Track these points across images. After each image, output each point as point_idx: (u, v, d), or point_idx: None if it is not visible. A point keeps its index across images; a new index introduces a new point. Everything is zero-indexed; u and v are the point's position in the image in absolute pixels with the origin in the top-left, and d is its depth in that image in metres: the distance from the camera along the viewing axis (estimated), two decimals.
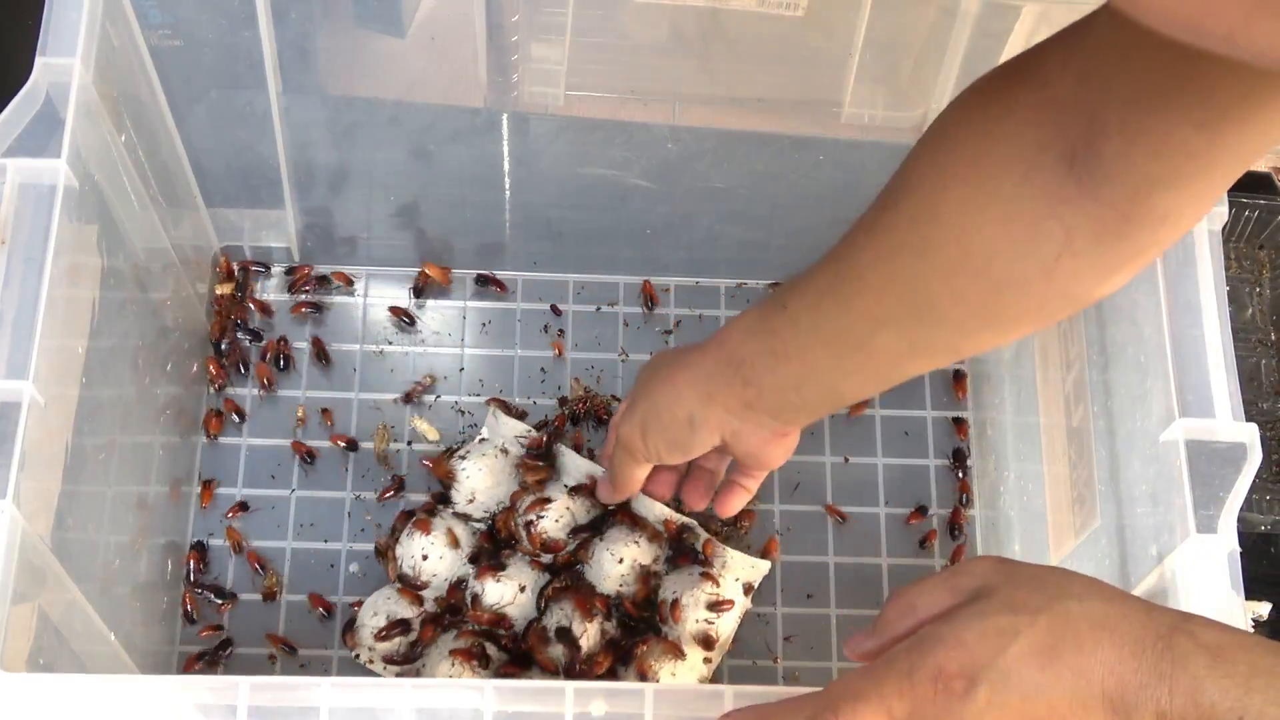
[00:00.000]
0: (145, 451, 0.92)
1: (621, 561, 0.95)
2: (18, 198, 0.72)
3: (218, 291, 1.07)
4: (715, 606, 0.95)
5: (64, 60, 0.75)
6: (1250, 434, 0.71)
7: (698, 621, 0.95)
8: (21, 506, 0.67)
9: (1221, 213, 0.76)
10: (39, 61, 0.75)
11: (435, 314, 1.09)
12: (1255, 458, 0.71)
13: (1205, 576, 0.69)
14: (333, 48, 0.95)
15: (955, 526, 1.04)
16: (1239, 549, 0.70)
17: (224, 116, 0.96)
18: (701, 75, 0.98)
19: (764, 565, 1.00)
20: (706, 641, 0.95)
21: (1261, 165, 1.17)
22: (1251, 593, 0.70)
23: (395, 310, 1.08)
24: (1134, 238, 0.60)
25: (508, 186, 1.04)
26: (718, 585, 0.96)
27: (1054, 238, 0.61)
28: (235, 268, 1.08)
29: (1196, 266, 0.75)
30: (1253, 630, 0.69)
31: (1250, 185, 1.11)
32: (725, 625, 0.96)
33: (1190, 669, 0.54)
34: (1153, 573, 0.73)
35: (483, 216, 1.06)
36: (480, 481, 0.99)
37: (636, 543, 0.96)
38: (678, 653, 0.93)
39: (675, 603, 0.94)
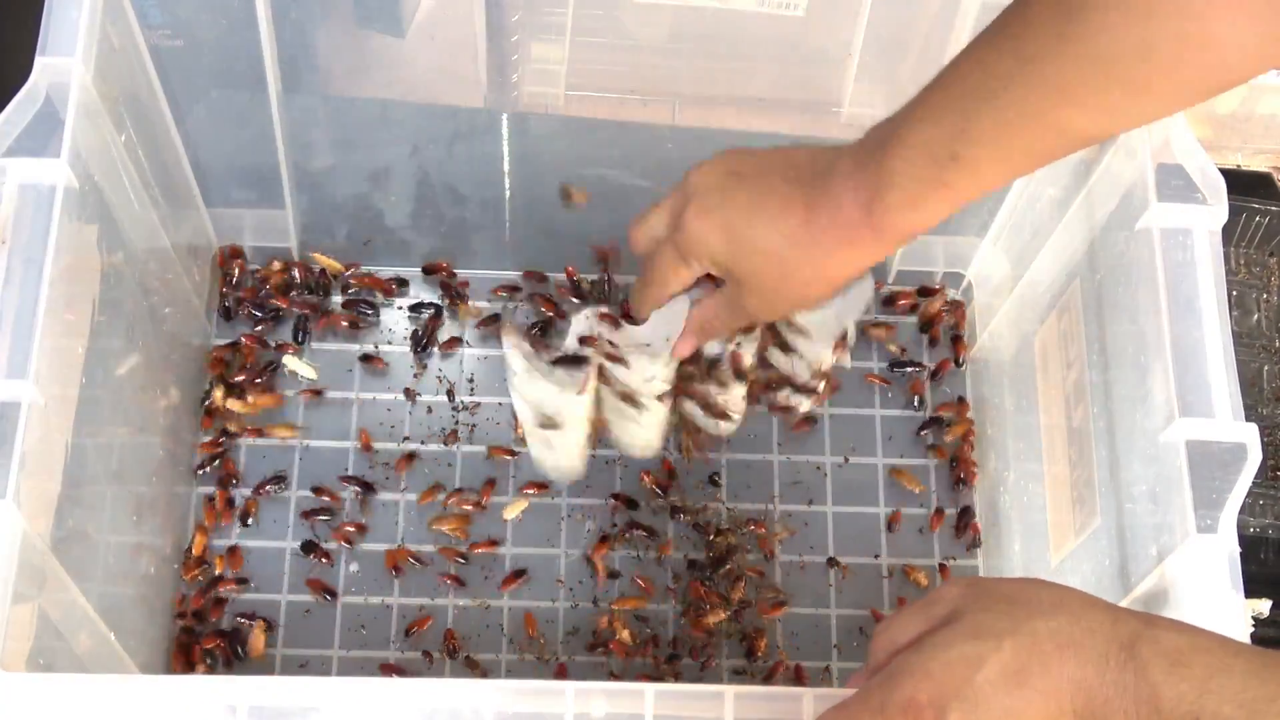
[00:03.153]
0: (145, 451, 0.92)
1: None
2: (18, 198, 0.72)
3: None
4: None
5: (64, 60, 0.75)
6: (1250, 434, 0.71)
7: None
8: (21, 506, 0.66)
9: (1222, 213, 0.76)
10: (39, 61, 0.75)
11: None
12: (1255, 458, 0.71)
13: (1205, 577, 0.69)
14: (333, 48, 0.95)
15: (961, 480, 1.05)
16: (1239, 549, 0.70)
17: (224, 116, 0.96)
18: (701, 75, 0.98)
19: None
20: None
21: (1261, 165, 1.17)
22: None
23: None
24: None
25: (508, 186, 1.04)
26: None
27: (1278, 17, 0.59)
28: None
29: (1197, 267, 0.75)
30: (1252, 628, 0.69)
31: (1251, 186, 1.12)
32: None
33: (1150, 676, 0.55)
34: (1153, 573, 0.72)
35: (483, 216, 1.06)
36: (550, 399, 0.87)
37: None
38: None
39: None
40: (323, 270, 1.08)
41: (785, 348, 0.86)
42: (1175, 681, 0.54)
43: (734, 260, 0.75)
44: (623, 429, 0.89)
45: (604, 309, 0.86)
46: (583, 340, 0.85)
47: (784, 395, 0.88)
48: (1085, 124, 0.65)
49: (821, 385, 0.87)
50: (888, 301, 1.11)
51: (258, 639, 0.97)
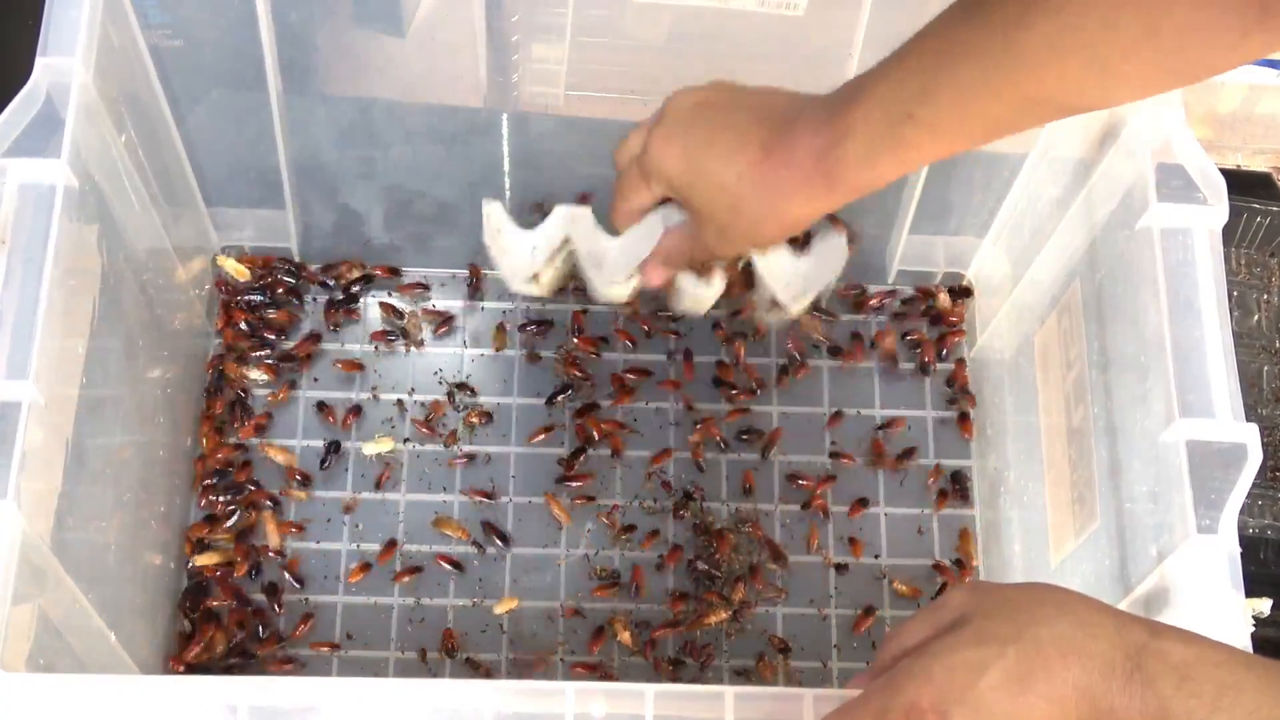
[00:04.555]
0: (145, 451, 0.92)
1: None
2: (18, 198, 0.72)
3: (221, 263, 1.06)
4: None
5: (64, 60, 0.75)
6: (1250, 434, 0.71)
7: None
8: (21, 506, 0.67)
9: (1223, 213, 0.76)
10: (39, 61, 0.75)
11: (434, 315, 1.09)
12: (1255, 458, 0.71)
13: (1205, 577, 0.69)
14: (333, 48, 0.95)
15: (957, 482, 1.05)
16: (1239, 549, 0.70)
17: (224, 116, 0.96)
18: (701, 75, 0.98)
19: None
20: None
21: (1261, 165, 1.17)
22: None
23: (386, 307, 1.08)
24: None
25: (508, 186, 1.04)
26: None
27: (1247, 12, 0.59)
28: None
29: (1197, 267, 0.75)
30: (1253, 627, 0.69)
31: (1252, 186, 1.12)
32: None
33: (1158, 689, 0.55)
34: (1153, 573, 0.72)
35: (483, 216, 1.06)
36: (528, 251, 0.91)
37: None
38: None
39: None
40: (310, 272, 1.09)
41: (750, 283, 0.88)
42: (1185, 697, 0.54)
43: (689, 188, 0.77)
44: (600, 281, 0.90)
45: (584, 208, 0.89)
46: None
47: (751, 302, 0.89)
48: (1044, 96, 0.66)
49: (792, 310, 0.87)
50: (888, 302, 1.11)
51: (271, 528, 1.00)
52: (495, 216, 0.89)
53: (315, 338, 1.07)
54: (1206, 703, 0.54)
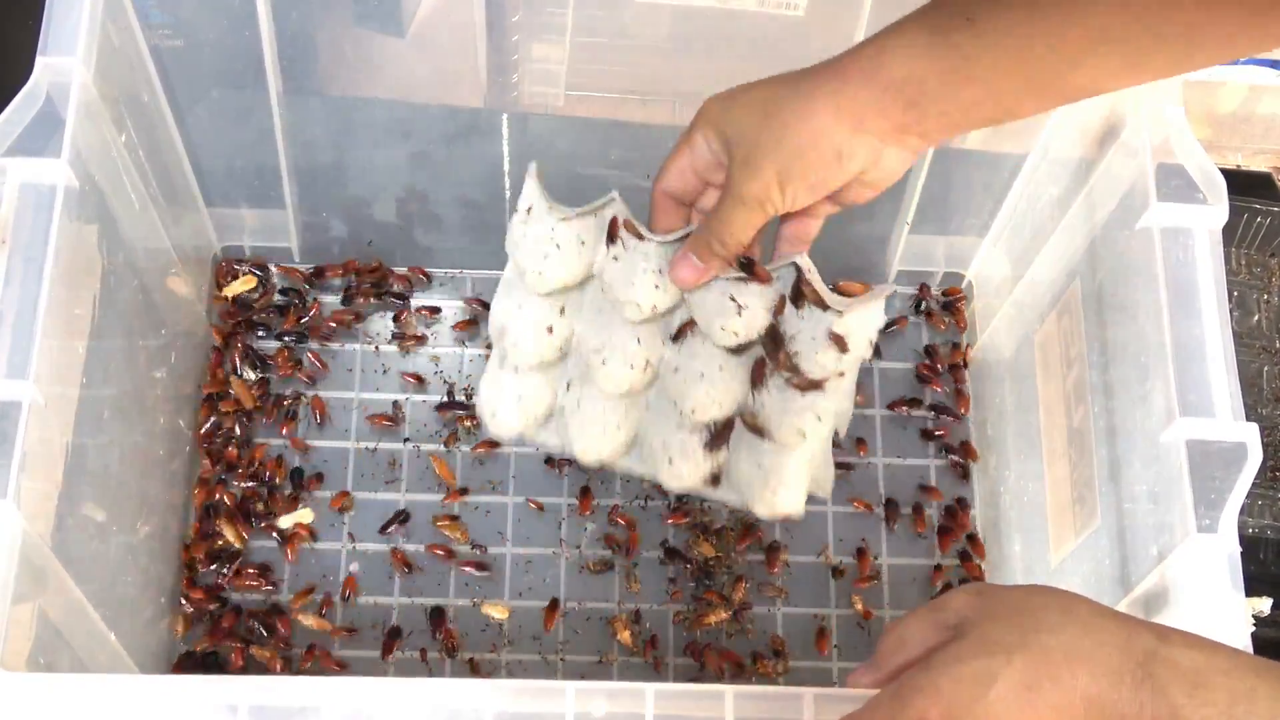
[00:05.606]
0: (145, 451, 0.92)
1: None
2: (18, 198, 0.72)
3: (227, 293, 1.06)
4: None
5: (64, 60, 0.75)
6: (1251, 434, 0.71)
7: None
8: (21, 506, 0.67)
9: (1223, 213, 0.76)
10: (39, 61, 0.75)
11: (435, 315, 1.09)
12: (1256, 457, 0.71)
13: (1205, 577, 0.69)
14: (333, 48, 0.95)
15: (955, 516, 1.05)
16: (1239, 549, 0.70)
17: (224, 116, 0.96)
18: (701, 75, 0.98)
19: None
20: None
21: (1261, 165, 1.17)
22: None
23: (386, 306, 1.08)
24: None
25: (508, 186, 1.04)
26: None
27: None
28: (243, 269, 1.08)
29: (1197, 266, 0.75)
30: (1253, 627, 0.69)
31: (1252, 186, 1.12)
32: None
33: (1170, 698, 0.54)
34: (1153, 573, 0.72)
35: (483, 217, 1.06)
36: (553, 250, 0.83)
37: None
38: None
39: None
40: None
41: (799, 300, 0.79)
42: (1197, 705, 0.54)
43: (748, 122, 0.71)
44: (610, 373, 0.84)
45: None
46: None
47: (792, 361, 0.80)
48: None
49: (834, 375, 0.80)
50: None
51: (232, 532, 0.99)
52: (531, 193, 0.82)
53: (314, 337, 1.07)
54: (1220, 711, 0.53)
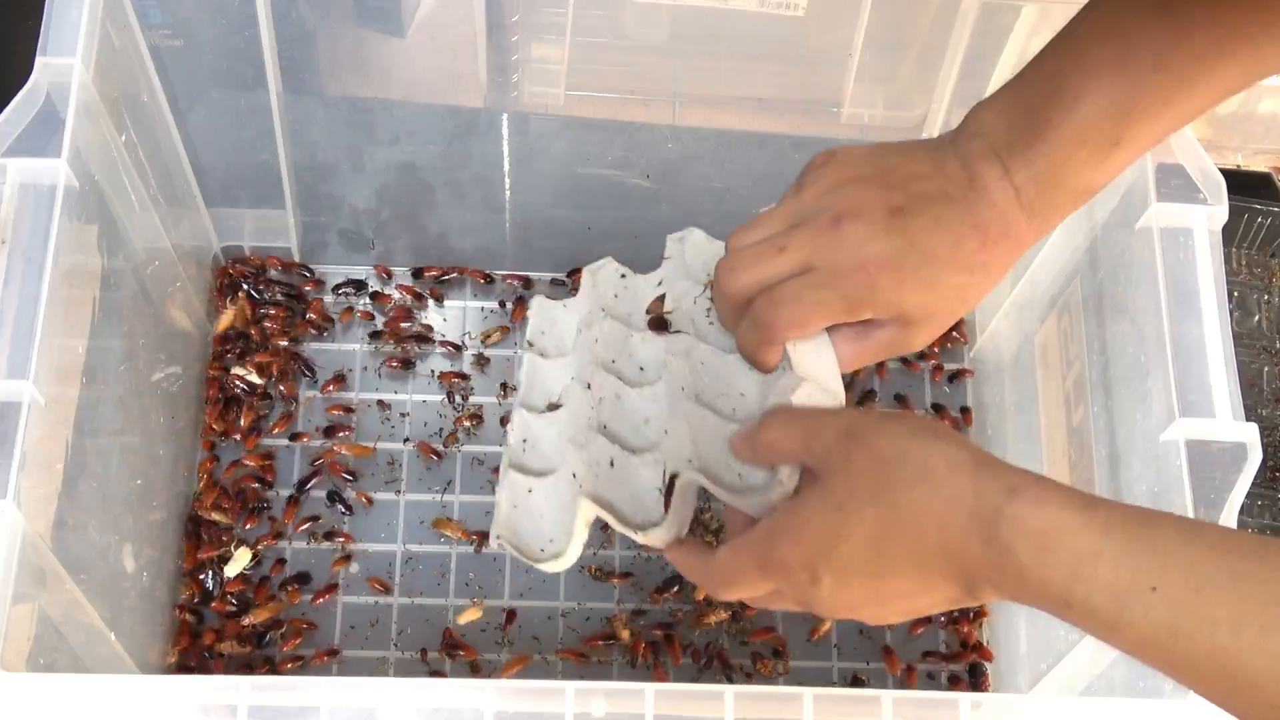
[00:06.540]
0: (145, 451, 0.92)
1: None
2: (18, 198, 0.72)
3: (219, 329, 1.06)
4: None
5: (64, 60, 0.75)
6: (1250, 434, 0.71)
7: None
8: (21, 506, 0.67)
9: (1223, 213, 0.76)
10: (39, 61, 0.75)
11: (435, 315, 1.09)
12: (1255, 457, 0.71)
13: None
14: (333, 48, 0.95)
15: None
16: None
17: (224, 116, 0.96)
18: (701, 75, 0.98)
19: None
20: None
21: (1261, 165, 1.17)
22: None
23: (383, 305, 1.08)
24: None
25: (508, 186, 1.04)
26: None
27: None
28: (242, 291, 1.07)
29: (1197, 266, 0.75)
30: None
31: (1252, 186, 1.12)
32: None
33: (1016, 558, 0.54)
34: None
35: (483, 216, 1.06)
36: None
37: None
38: None
39: None
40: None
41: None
42: (1041, 568, 0.54)
43: (913, 302, 0.67)
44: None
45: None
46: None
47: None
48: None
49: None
50: None
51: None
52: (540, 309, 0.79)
53: (314, 337, 1.07)
54: (1064, 572, 0.53)
